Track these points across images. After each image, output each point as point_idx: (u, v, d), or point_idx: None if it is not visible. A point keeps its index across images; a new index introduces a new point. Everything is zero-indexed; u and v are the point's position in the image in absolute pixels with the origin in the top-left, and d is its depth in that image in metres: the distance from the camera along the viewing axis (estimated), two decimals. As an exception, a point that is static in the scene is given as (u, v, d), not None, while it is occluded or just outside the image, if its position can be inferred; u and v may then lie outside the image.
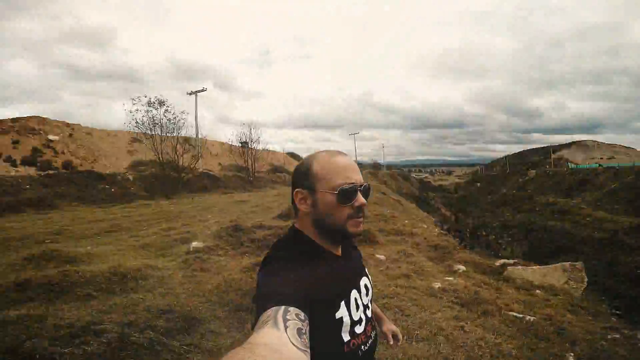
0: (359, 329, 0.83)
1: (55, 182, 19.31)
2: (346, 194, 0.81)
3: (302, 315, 0.63)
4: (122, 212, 13.44)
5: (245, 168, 28.15)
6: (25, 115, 27.91)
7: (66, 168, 24.17)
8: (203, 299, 3.41)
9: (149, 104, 21.74)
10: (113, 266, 4.21)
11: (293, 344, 0.55)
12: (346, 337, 0.79)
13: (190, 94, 28.38)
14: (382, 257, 5.45)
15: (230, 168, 30.15)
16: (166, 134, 22.44)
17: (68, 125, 29.76)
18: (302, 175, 0.86)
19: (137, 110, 21.44)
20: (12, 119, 27.07)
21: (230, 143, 31.26)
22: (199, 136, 27.35)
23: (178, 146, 22.19)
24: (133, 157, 28.40)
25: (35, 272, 4.22)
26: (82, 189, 18.84)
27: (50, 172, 21.46)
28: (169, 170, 21.71)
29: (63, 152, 25.67)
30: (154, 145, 21.60)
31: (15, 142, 24.18)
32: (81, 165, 25.21)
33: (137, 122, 21.58)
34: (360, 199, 0.83)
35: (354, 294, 0.85)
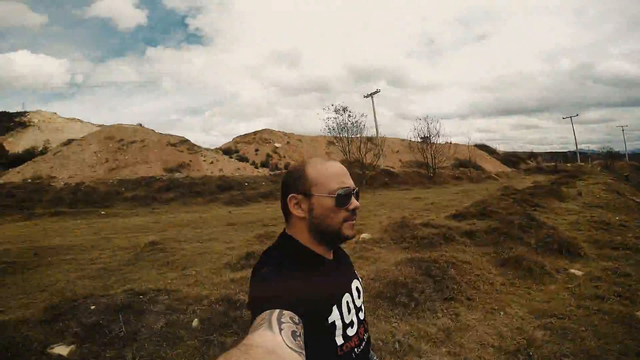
0: (351, 332, 0.84)
1: (279, 179, 25.57)
2: (343, 198, 0.84)
3: (297, 318, 0.65)
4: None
5: (425, 164, 27.61)
6: (260, 129, 38.17)
7: (286, 168, 31.26)
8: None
9: (336, 111, 25.31)
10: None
11: (288, 345, 0.56)
12: (339, 340, 0.80)
13: (366, 96, 30.63)
14: (577, 272, 4.35)
15: (411, 164, 30.26)
16: (351, 135, 25.34)
17: (285, 134, 38.47)
18: (296, 180, 0.87)
19: (328, 118, 25.42)
20: (254, 132, 37.70)
21: (409, 139, 31.32)
22: (379, 135, 29.05)
23: (362, 146, 24.56)
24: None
25: (259, 246, 6.01)
26: (295, 185, 23.94)
27: (277, 172, 28.47)
28: (355, 168, 24.39)
29: (284, 156, 33.41)
30: (342, 146, 24.91)
31: (256, 150, 33.50)
32: (295, 166, 31.91)
33: (329, 128, 25.57)
34: (355, 202, 0.87)
35: (346, 297, 0.86)
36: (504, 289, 3.78)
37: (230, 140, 37.49)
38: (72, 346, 2.36)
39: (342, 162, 26.35)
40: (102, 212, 16.54)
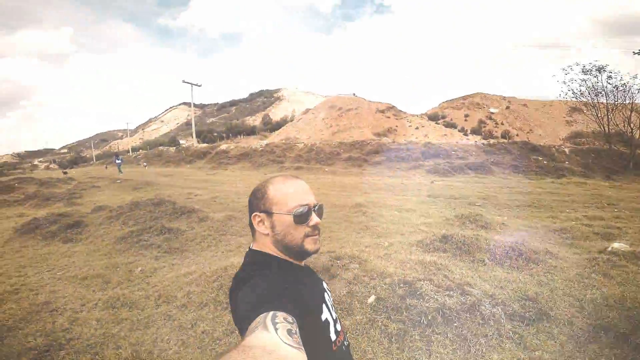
0: (338, 327, 0.91)
1: (494, 150, 22.23)
2: (301, 215, 0.88)
3: (290, 318, 0.65)
4: (549, 187, 12.99)
5: None
6: (471, 93, 34.01)
7: (504, 137, 26.74)
8: (566, 299, 2.93)
9: (584, 71, 18.83)
10: (516, 241, 4.40)
11: (285, 343, 0.56)
12: (333, 336, 0.86)
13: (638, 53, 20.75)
14: None
15: None
16: (614, 102, 18.36)
17: (504, 98, 32.46)
18: (259, 199, 0.91)
19: (571, 80, 19.43)
20: (463, 96, 34.04)
21: None
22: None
23: (633, 116, 17.40)
24: (572, 128, 25.62)
25: (459, 229, 5.40)
26: (516, 159, 20.20)
27: (491, 140, 24.83)
28: (616, 144, 17.73)
29: (502, 123, 28.51)
30: (597, 115, 18.53)
31: (466, 116, 30.24)
32: (517, 135, 26.73)
33: (573, 92, 19.61)
34: (315, 218, 0.90)
35: (325, 296, 0.93)
36: None
37: (437, 105, 35.71)
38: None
39: (595, 134, 19.74)
40: (326, 169, 20.04)
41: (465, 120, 29.92)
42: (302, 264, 0.96)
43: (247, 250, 0.96)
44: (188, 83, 34.40)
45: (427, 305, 2.68)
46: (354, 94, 38.79)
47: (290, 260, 0.92)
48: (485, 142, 24.07)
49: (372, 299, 2.78)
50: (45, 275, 4.19)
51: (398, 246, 4.33)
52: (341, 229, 5.67)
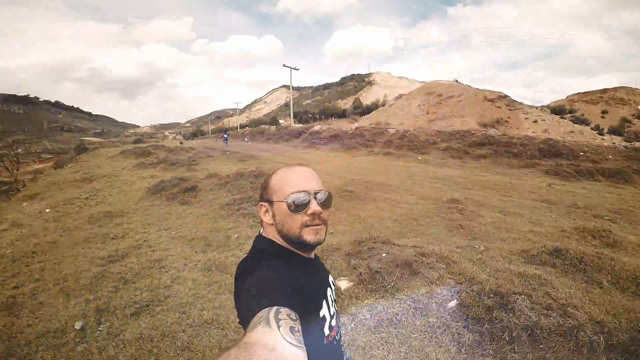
0: (333, 322, 0.89)
1: (638, 155, 17.77)
2: (297, 202, 0.83)
3: (294, 314, 0.63)
4: None
5: None
6: (612, 87, 27.50)
7: (657, 140, 21.17)
8: None
9: None
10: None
11: (287, 341, 0.55)
12: (326, 331, 0.84)
13: None
14: None
15: None
16: None
17: (663, 93, 25.39)
18: (263, 189, 0.90)
19: None
20: (601, 90, 27.75)
21: None
22: None
23: None
24: None
25: (576, 243, 4.58)
26: (672, 168, 15.84)
27: (637, 144, 19.90)
28: None
29: (658, 122, 22.51)
30: None
31: (604, 112, 24.72)
32: (679, 137, 20.81)
33: None
34: (314, 206, 0.84)
35: (328, 291, 0.92)
36: None
37: (564, 97, 30.10)
38: (350, 284, 2.89)
39: None
40: (419, 158, 19.05)
41: (602, 117, 24.56)
42: (312, 255, 0.93)
43: (256, 235, 0.94)
44: (287, 67, 36.24)
45: (515, 321, 2.38)
46: (456, 81, 35.51)
47: (296, 251, 0.88)
48: (628, 144, 19.38)
49: (453, 303, 2.58)
50: (163, 234, 4.74)
51: (495, 252, 3.88)
52: (431, 224, 5.33)
